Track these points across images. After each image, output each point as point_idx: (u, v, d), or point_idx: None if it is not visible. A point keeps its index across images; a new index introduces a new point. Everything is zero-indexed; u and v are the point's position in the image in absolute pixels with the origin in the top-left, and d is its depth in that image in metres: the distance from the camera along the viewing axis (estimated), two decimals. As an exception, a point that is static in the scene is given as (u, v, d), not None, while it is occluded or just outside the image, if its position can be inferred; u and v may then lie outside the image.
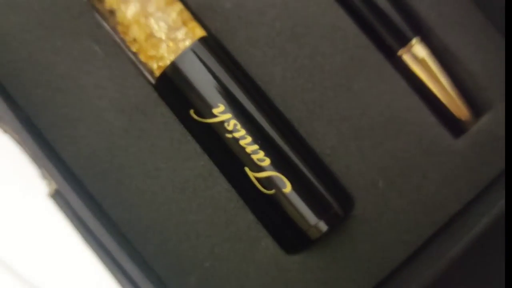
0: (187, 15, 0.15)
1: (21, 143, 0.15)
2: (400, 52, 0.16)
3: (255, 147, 0.15)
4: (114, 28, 0.16)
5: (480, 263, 0.17)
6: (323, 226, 0.15)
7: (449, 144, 0.16)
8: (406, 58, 0.16)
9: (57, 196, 0.15)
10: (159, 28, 0.15)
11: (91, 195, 0.15)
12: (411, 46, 0.16)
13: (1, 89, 0.15)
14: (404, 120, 0.16)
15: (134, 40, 0.15)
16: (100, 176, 0.15)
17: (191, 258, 0.15)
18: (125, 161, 0.15)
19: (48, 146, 0.15)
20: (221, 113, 0.14)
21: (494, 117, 0.16)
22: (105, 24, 0.16)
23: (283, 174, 0.14)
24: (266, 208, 0.15)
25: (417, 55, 0.16)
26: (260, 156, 0.14)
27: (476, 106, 0.17)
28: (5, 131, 0.16)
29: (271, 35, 0.16)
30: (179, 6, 0.15)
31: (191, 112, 0.15)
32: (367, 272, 0.15)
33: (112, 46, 0.16)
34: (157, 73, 0.15)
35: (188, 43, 0.15)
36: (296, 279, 0.15)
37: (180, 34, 0.15)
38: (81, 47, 0.16)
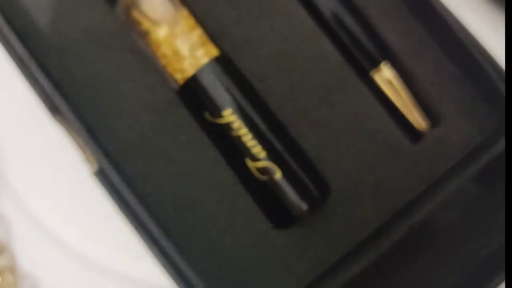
0: (205, 38, 0.20)
1: (73, 132, 0.20)
2: (371, 73, 0.21)
3: (254, 142, 0.19)
4: (148, 45, 0.20)
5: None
6: (304, 206, 0.19)
7: (407, 148, 0.20)
8: (377, 78, 0.21)
9: (100, 175, 0.20)
10: (183, 48, 0.19)
11: (127, 175, 0.19)
12: (381, 69, 0.21)
13: (63, 91, 0.19)
14: (372, 127, 0.20)
15: (163, 55, 0.20)
16: (133, 160, 0.19)
17: (202, 227, 0.19)
18: (153, 149, 0.19)
19: (94, 136, 0.19)
20: (229, 115, 0.19)
21: (445, 128, 0.21)
22: (141, 41, 0.20)
23: (275, 164, 0.19)
24: (261, 191, 0.19)
25: (385, 76, 0.21)
26: (257, 150, 0.19)
27: (431, 118, 0.21)
28: (61, 123, 0.21)
29: (269, 55, 0.20)
30: (199, 31, 0.20)
31: (206, 114, 0.19)
32: (337, 245, 0.20)
33: (146, 59, 0.20)
34: (180, 82, 0.19)
35: (205, 60, 0.19)
36: (281, 248, 0.19)
37: (199, 53, 0.19)
38: (123, 58, 0.20)
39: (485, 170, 0.20)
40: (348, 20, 0.21)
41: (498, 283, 0.20)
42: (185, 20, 0.19)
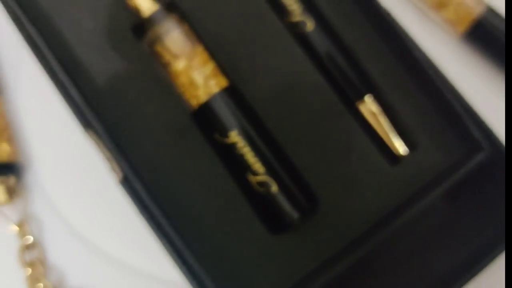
0: (217, 71, 0.23)
1: (102, 146, 0.23)
2: (357, 104, 0.24)
3: (255, 160, 0.22)
4: (168, 74, 0.24)
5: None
6: (295, 215, 0.22)
7: (386, 170, 0.24)
8: (362, 108, 0.24)
9: (124, 183, 0.23)
10: (198, 78, 0.23)
11: (147, 185, 0.22)
12: (365, 101, 0.24)
13: (95, 109, 0.23)
14: (355, 151, 0.23)
15: (181, 84, 0.23)
16: (153, 172, 0.23)
17: (209, 230, 0.23)
18: (170, 163, 0.23)
19: (121, 149, 0.23)
20: (234, 136, 0.22)
21: (419, 154, 0.24)
22: (163, 71, 0.24)
23: (271, 179, 0.22)
24: (259, 201, 0.23)
25: (369, 107, 0.24)
26: (257, 166, 0.22)
27: (407, 145, 0.24)
28: (91, 136, 0.24)
29: (271, 87, 0.24)
30: (212, 65, 0.23)
31: (215, 134, 0.23)
32: (323, 249, 0.23)
33: (166, 86, 0.24)
34: (195, 107, 0.23)
35: (216, 89, 0.23)
36: (276, 250, 0.23)
37: (212, 83, 0.23)
38: (147, 85, 0.24)
39: (453, 190, 0.24)
40: (339, 58, 0.24)
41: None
42: (200, 55, 0.23)
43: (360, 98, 0.24)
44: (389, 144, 0.24)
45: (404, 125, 0.24)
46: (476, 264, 0.23)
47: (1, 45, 0.29)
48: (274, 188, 0.22)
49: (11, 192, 0.26)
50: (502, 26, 0.26)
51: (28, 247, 0.26)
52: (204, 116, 0.23)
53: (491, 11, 0.27)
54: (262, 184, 0.22)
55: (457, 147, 0.24)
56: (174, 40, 0.23)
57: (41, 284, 0.25)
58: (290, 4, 0.24)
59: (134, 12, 0.24)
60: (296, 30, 0.24)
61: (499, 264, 0.24)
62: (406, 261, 0.25)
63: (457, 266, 0.24)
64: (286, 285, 0.23)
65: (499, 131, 0.24)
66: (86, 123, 0.23)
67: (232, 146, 0.22)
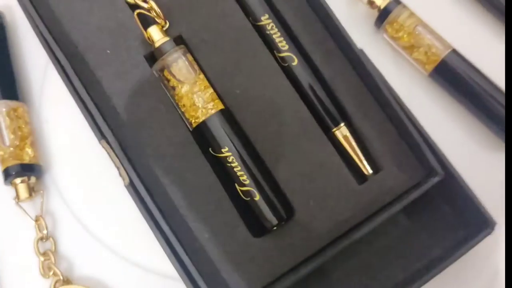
0: (214, 95, 0.27)
1: (113, 154, 0.27)
2: (333, 130, 0.28)
3: (242, 173, 0.26)
4: (172, 96, 0.28)
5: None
6: (274, 221, 0.26)
7: (354, 187, 0.28)
8: (337, 133, 0.28)
9: (129, 187, 0.27)
10: (198, 101, 0.27)
11: (149, 189, 0.26)
12: (340, 127, 0.28)
13: (109, 124, 0.27)
14: (329, 169, 0.27)
15: (183, 105, 0.27)
16: (155, 178, 0.27)
17: (199, 230, 0.27)
18: (170, 171, 0.27)
19: (128, 158, 0.27)
20: (226, 152, 0.26)
21: (383, 175, 0.28)
22: (169, 93, 0.28)
23: (255, 189, 0.26)
24: (244, 208, 0.27)
25: (343, 133, 0.28)
26: (244, 178, 0.26)
27: (373, 167, 0.28)
28: (103, 146, 0.28)
29: (259, 112, 0.28)
30: (211, 90, 0.27)
31: (210, 149, 0.27)
32: (297, 252, 0.27)
33: (170, 106, 0.28)
34: (194, 125, 0.27)
35: (213, 111, 0.27)
36: (256, 250, 0.27)
37: (210, 106, 0.27)
38: (154, 104, 0.28)
39: (410, 208, 0.28)
40: (319, 90, 0.28)
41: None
42: (201, 81, 0.27)
43: (336, 124, 0.28)
44: (358, 165, 0.28)
45: (372, 150, 0.28)
46: (429, 272, 0.27)
47: (30, 63, 0.33)
48: (257, 197, 0.26)
49: (31, 191, 0.30)
50: (464, 66, 0.30)
51: (42, 239, 0.30)
52: (201, 133, 0.27)
53: (455, 53, 0.31)
54: (247, 193, 0.26)
55: (416, 171, 0.28)
56: (180, 68, 0.27)
57: (52, 272, 0.29)
58: (280, 41, 0.28)
59: (149, 42, 0.28)
60: (284, 64, 0.28)
61: (450, 273, 0.27)
62: (368, 266, 0.29)
63: (413, 273, 0.28)
64: (263, 281, 0.26)
65: (457, 158, 0.28)
66: (101, 135, 0.28)
67: (223, 160, 0.26)
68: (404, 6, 0.32)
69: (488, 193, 0.28)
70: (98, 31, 0.29)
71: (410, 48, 0.32)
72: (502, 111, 0.30)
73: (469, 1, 0.33)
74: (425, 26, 0.31)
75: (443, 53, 0.31)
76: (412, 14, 0.32)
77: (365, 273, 0.29)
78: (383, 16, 0.32)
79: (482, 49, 0.32)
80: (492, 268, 0.29)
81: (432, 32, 0.31)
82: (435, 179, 0.27)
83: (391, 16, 0.31)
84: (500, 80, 0.30)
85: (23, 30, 0.33)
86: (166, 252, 0.26)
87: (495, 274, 0.29)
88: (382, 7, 0.32)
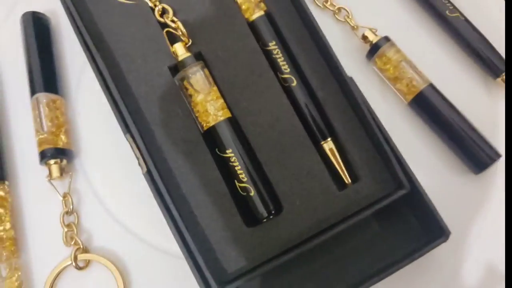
0: (224, 105, 0.33)
1: (134, 146, 0.33)
2: (322, 142, 0.33)
3: (241, 171, 0.31)
4: (189, 103, 0.33)
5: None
6: (265, 214, 0.31)
7: (335, 193, 0.33)
8: (324, 146, 0.33)
9: (146, 175, 0.32)
10: (210, 109, 0.32)
11: (164, 178, 0.32)
12: (327, 141, 0.33)
13: (134, 120, 0.32)
14: (315, 176, 0.32)
15: (197, 111, 0.33)
16: (169, 169, 0.32)
17: (202, 218, 0.32)
18: (182, 165, 0.32)
19: (147, 150, 0.32)
20: (229, 153, 0.32)
21: (360, 184, 0.33)
22: (186, 100, 0.33)
23: (251, 186, 0.31)
24: (240, 201, 0.32)
25: (329, 146, 0.33)
26: (242, 176, 0.31)
27: (352, 177, 0.33)
28: (127, 138, 0.33)
29: (260, 122, 0.33)
30: (221, 101, 0.33)
31: (216, 149, 0.32)
32: (283, 242, 0.31)
33: (186, 111, 0.33)
34: (205, 128, 0.32)
35: (222, 118, 0.32)
36: (248, 238, 0.32)
37: (219, 113, 0.32)
38: (172, 108, 0.33)
39: (382, 214, 0.33)
40: (312, 108, 0.34)
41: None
42: (214, 92, 0.33)
43: (324, 138, 0.33)
44: (340, 174, 0.33)
45: (352, 163, 0.33)
46: (390, 270, 0.32)
47: (69, 62, 0.38)
48: (252, 193, 0.31)
49: (62, 171, 0.35)
50: (438, 99, 0.36)
51: (67, 213, 0.35)
52: (210, 136, 0.32)
53: (432, 86, 0.36)
54: (244, 189, 0.31)
55: (387, 183, 0.33)
56: (197, 79, 0.32)
57: (74, 241, 0.34)
58: (283, 64, 0.34)
59: (174, 56, 0.33)
60: (285, 84, 0.34)
61: (410, 272, 0.32)
62: (341, 261, 0.34)
63: (377, 271, 0.33)
64: (250, 264, 0.31)
65: (424, 176, 0.33)
66: (126, 130, 0.33)
67: (227, 159, 0.32)
68: (392, 44, 0.37)
69: (447, 208, 0.32)
70: (132, 41, 0.34)
71: (395, 80, 0.37)
72: (468, 141, 0.35)
73: (449, 43, 0.38)
74: (409, 62, 0.37)
75: (421, 86, 0.36)
76: (398, 51, 0.37)
77: (338, 266, 0.34)
78: (373, 50, 0.37)
79: (456, 86, 0.37)
80: (447, 270, 0.34)
81: (414, 67, 0.37)
82: (402, 192, 0.32)
83: (380, 51, 0.37)
84: (469, 113, 0.36)
85: (65, 33, 0.39)
86: (172, 233, 0.31)
87: (449, 276, 0.34)
88: (373, 42, 0.37)
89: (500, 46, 0.37)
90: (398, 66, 0.36)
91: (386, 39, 0.37)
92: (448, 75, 0.38)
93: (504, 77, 0.36)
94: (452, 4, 0.38)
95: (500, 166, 0.36)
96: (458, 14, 0.37)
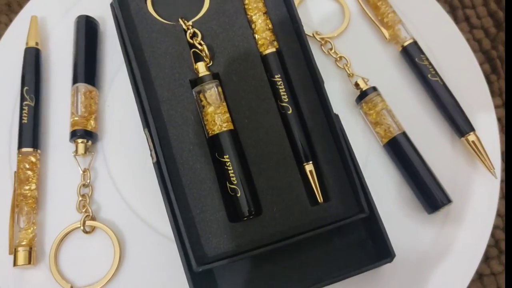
0: (229, 118, 0.39)
1: (148, 139, 0.39)
2: (304, 164, 0.40)
3: (233, 175, 0.38)
4: (201, 112, 0.40)
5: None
6: (246, 214, 0.37)
7: (307, 207, 0.39)
8: (306, 167, 0.40)
9: (155, 165, 0.39)
10: (217, 120, 0.39)
11: (170, 169, 0.38)
12: (309, 163, 0.40)
13: (158, 120, 0.39)
14: (293, 190, 0.39)
15: (207, 119, 0.39)
16: (175, 164, 0.39)
17: (196, 209, 0.38)
18: (186, 162, 0.39)
19: (160, 144, 0.39)
20: (226, 158, 0.38)
21: (330, 204, 0.39)
22: (199, 109, 0.40)
23: (239, 189, 0.38)
24: (228, 200, 0.38)
25: (309, 168, 0.40)
26: (234, 179, 0.38)
27: (324, 197, 0.40)
28: (144, 132, 0.40)
29: (256, 137, 0.40)
30: (227, 115, 0.39)
31: (216, 154, 0.39)
32: (260, 237, 0.38)
33: (197, 117, 0.40)
34: (210, 135, 0.39)
35: (225, 129, 0.39)
36: (229, 231, 0.38)
37: (224, 125, 0.39)
38: (186, 114, 0.40)
39: (343, 232, 0.39)
40: (301, 135, 0.40)
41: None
42: (223, 107, 0.39)
43: (306, 161, 0.40)
44: (314, 193, 0.40)
45: (326, 185, 0.39)
46: (338, 278, 0.38)
47: (108, 62, 0.46)
48: (239, 194, 0.38)
49: (86, 150, 0.42)
50: (408, 147, 0.42)
51: (84, 185, 0.42)
52: (213, 141, 0.39)
53: (404, 135, 0.43)
54: (233, 190, 0.38)
55: (352, 207, 0.39)
56: (211, 94, 0.39)
57: (85, 209, 0.41)
58: (283, 94, 0.41)
59: (195, 72, 0.40)
60: (282, 110, 0.41)
61: (358, 281, 0.39)
62: (304, 265, 0.39)
63: (329, 278, 0.39)
64: (227, 253, 0.37)
65: (383, 205, 0.39)
66: (145, 125, 0.40)
67: (223, 163, 0.38)
68: (378, 93, 0.44)
69: (398, 235, 0.39)
70: (164, 54, 0.41)
71: (375, 124, 0.43)
72: (426, 186, 0.41)
73: (426, 101, 0.45)
74: (389, 111, 0.43)
75: (396, 133, 0.42)
76: (382, 100, 0.44)
77: (299, 270, 0.39)
78: (362, 96, 0.44)
79: (425, 137, 0.44)
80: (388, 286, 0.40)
81: (393, 116, 0.43)
82: (362, 215, 0.38)
83: (367, 98, 0.44)
84: (432, 162, 0.42)
85: (109, 37, 0.46)
86: (168, 216, 0.37)
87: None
88: (363, 89, 0.44)
89: (469, 110, 0.43)
90: (380, 113, 0.43)
91: (374, 89, 0.44)
92: (421, 127, 0.44)
93: (467, 137, 0.43)
94: (434, 70, 0.45)
95: (450, 210, 0.42)
96: (438, 78, 0.44)
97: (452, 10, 0.57)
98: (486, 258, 0.48)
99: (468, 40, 0.55)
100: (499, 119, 0.51)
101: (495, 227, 0.47)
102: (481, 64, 0.54)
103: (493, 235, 0.48)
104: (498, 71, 0.54)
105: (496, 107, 0.52)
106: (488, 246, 0.47)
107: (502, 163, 0.45)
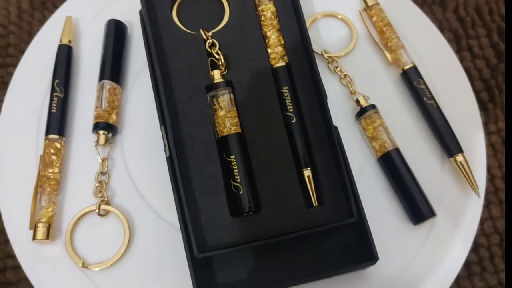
0: (238, 122, 0.43)
1: (164, 135, 0.43)
2: (303, 169, 0.44)
3: (238, 174, 0.42)
4: (213, 115, 0.44)
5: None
6: (246, 210, 0.41)
7: (303, 209, 0.42)
8: (304, 172, 0.44)
9: (168, 159, 0.43)
10: (227, 123, 0.43)
11: (181, 163, 0.42)
12: (307, 169, 0.44)
13: (174, 119, 0.43)
14: (291, 193, 0.42)
15: (217, 122, 0.43)
16: (185, 158, 0.43)
17: (201, 201, 0.42)
18: (195, 157, 0.43)
19: (174, 141, 0.43)
20: (232, 158, 0.42)
21: (323, 208, 0.43)
22: (211, 111, 0.44)
23: (242, 187, 0.42)
24: (231, 196, 0.42)
25: (307, 173, 0.44)
26: (237, 177, 0.42)
27: (319, 201, 0.43)
28: (161, 129, 0.44)
29: (259, 142, 0.44)
30: (237, 119, 0.43)
31: (224, 153, 0.43)
32: (258, 232, 0.42)
33: (209, 119, 0.44)
34: (219, 136, 0.43)
35: (234, 132, 0.42)
36: (229, 224, 0.42)
37: (233, 128, 0.43)
38: (200, 116, 0.44)
39: (333, 234, 0.43)
40: (302, 143, 0.44)
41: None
42: (233, 112, 0.43)
43: (305, 167, 0.44)
44: (310, 197, 0.43)
45: (322, 191, 0.43)
46: (324, 275, 0.41)
47: (132, 62, 0.50)
48: (241, 192, 0.42)
49: (106, 141, 0.46)
50: (400, 162, 0.46)
51: (102, 173, 0.46)
52: (222, 142, 0.43)
53: (397, 150, 0.46)
54: (236, 187, 0.42)
55: (343, 212, 0.42)
56: (224, 99, 0.43)
57: (101, 195, 0.45)
58: (289, 105, 0.45)
59: (211, 78, 0.44)
60: (286, 119, 0.45)
61: (343, 280, 0.42)
62: (295, 260, 0.43)
63: (316, 273, 0.42)
64: (226, 244, 0.41)
65: (373, 212, 0.43)
66: (162, 122, 0.44)
67: (229, 162, 0.42)
68: (377, 111, 0.48)
69: (382, 241, 0.42)
70: (184, 60, 0.45)
71: (372, 138, 0.47)
72: (413, 199, 0.44)
73: (420, 121, 0.49)
74: (385, 128, 0.47)
75: (390, 148, 0.46)
76: (380, 117, 0.47)
77: (290, 265, 0.43)
78: (361, 112, 0.48)
79: (416, 155, 0.47)
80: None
81: (388, 133, 0.47)
82: (351, 220, 0.41)
83: (366, 114, 0.47)
84: (421, 178, 0.46)
85: (136, 41, 0.50)
86: (175, 206, 0.41)
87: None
88: (363, 106, 0.48)
89: (460, 133, 0.47)
90: (377, 129, 0.47)
91: (373, 106, 0.48)
92: (414, 145, 0.48)
93: (456, 157, 0.47)
94: (430, 93, 0.48)
95: (434, 223, 0.45)
96: (433, 102, 0.48)
97: (456, 39, 0.60)
98: (469, 274, 0.51)
99: (469, 68, 0.59)
100: (492, 145, 0.55)
101: (480, 245, 0.51)
102: (479, 92, 0.57)
103: (477, 252, 0.51)
104: (495, 99, 0.58)
105: (491, 133, 0.56)
106: (472, 263, 0.51)
107: (486, 183, 0.48)
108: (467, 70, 0.57)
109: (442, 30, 0.60)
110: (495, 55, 0.60)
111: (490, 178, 0.53)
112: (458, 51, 0.60)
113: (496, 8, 0.62)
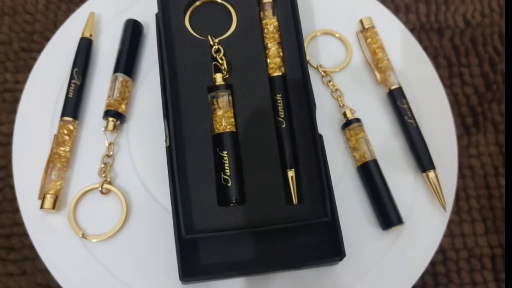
0: (233, 122, 0.48)
1: (166, 127, 0.48)
2: (287, 170, 0.48)
3: (228, 168, 0.46)
4: (212, 113, 0.49)
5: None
6: (233, 200, 0.46)
7: (283, 205, 0.47)
8: (288, 172, 0.48)
9: (167, 148, 0.48)
10: (223, 122, 0.48)
11: (178, 154, 0.47)
12: (291, 170, 0.48)
13: (176, 113, 0.48)
14: (274, 189, 0.47)
15: (215, 120, 0.48)
16: (183, 149, 0.48)
17: (193, 192, 0.47)
18: (192, 149, 0.48)
19: (174, 133, 0.48)
20: (224, 153, 0.47)
21: (302, 206, 0.47)
22: (210, 110, 0.49)
23: (231, 180, 0.46)
24: (221, 187, 0.46)
25: (291, 174, 0.48)
26: (228, 171, 0.46)
27: (299, 200, 0.48)
28: (164, 121, 0.49)
29: (251, 141, 0.49)
30: (232, 119, 0.48)
31: (217, 148, 0.47)
32: (238, 222, 0.46)
33: (208, 117, 0.48)
34: (215, 132, 0.47)
35: (228, 130, 0.47)
36: (219, 212, 0.46)
37: (228, 127, 0.48)
38: (200, 113, 0.49)
39: (308, 230, 0.47)
40: (289, 146, 0.49)
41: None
42: (230, 113, 0.48)
43: (290, 168, 0.48)
44: (291, 195, 0.48)
45: (302, 190, 0.48)
46: (295, 267, 0.46)
47: (145, 59, 0.55)
48: (230, 184, 0.46)
49: (114, 128, 0.51)
50: (376, 172, 0.50)
51: (107, 156, 0.51)
52: (217, 138, 0.48)
53: (375, 162, 0.51)
54: (226, 180, 0.47)
55: (319, 211, 0.47)
56: (223, 100, 0.48)
57: (105, 175, 0.50)
58: (280, 111, 0.49)
59: (213, 80, 0.49)
60: (277, 124, 0.49)
61: (307, 275, 0.47)
62: (271, 251, 0.48)
63: (290, 265, 0.47)
64: (212, 229, 0.46)
65: (347, 214, 0.47)
66: (165, 115, 0.49)
67: (221, 157, 0.47)
68: (360, 124, 0.52)
69: (352, 241, 0.47)
70: (191, 62, 0.50)
71: (353, 148, 0.52)
72: (384, 206, 0.49)
73: (400, 137, 0.53)
74: (367, 140, 0.52)
75: (368, 159, 0.51)
76: (363, 130, 0.52)
77: (269, 255, 0.47)
78: (347, 124, 0.52)
79: (392, 167, 0.52)
80: (337, 283, 0.48)
81: (369, 145, 0.52)
82: (325, 219, 0.46)
83: (351, 126, 0.52)
84: (393, 188, 0.50)
85: (150, 40, 0.55)
86: (170, 192, 0.46)
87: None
88: (349, 119, 0.52)
89: (435, 151, 0.51)
90: (359, 140, 0.52)
91: (358, 120, 0.52)
92: (391, 158, 0.52)
93: (428, 173, 0.51)
94: (412, 113, 0.53)
95: (402, 231, 0.50)
96: (413, 121, 0.53)
97: (449, 66, 0.64)
98: (436, 284, 0.55)
99: (457, 94, 0.63)
100: (472, 167, 0.58)
101: (449, 258, 0.54)
102: (465, 117, 0.61)
103: (445, 264, 0.55)
104: (479, 125, 0.61)
105: (471, 156, 0.59)
106: (439, 274, 0.54)
107: (462, 202, 0.53)
108: (455, 96, 0.61)
109: (436, 55, 0.63)
110: (484, 84, 0.63)
111: (466, 197, 0.57)
112: (450, 77, 0.63)
113: (490, 40, 0.66)
